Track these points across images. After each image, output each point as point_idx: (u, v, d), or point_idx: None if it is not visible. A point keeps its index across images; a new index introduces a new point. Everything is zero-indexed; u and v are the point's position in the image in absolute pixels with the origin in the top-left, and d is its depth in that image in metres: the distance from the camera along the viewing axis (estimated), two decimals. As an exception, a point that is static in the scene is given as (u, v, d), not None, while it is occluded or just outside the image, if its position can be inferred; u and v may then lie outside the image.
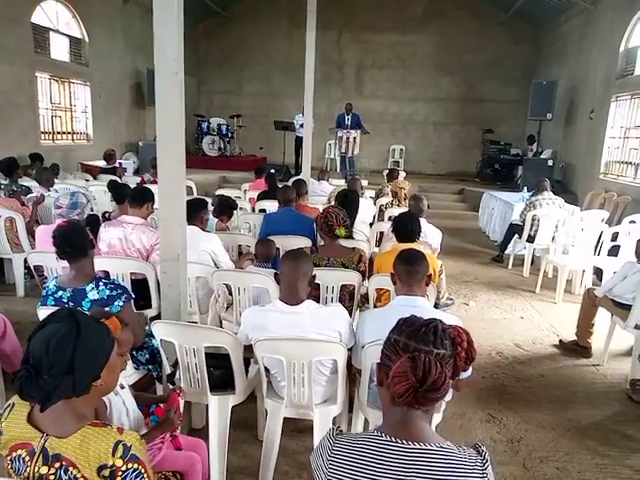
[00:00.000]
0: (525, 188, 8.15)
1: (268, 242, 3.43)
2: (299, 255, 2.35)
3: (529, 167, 10.01)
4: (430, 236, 4.00)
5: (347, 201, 3.92)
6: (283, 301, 2.26)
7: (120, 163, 9.50)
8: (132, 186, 5.07)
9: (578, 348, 4.05)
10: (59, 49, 9.33)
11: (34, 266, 3.59)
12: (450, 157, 14.01)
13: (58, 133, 9.55)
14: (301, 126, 10.19)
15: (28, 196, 5.22)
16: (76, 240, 2.43)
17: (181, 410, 1.94)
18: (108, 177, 7.65)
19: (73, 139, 10.05)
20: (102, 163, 9.02)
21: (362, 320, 2.30)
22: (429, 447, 1.17)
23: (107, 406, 1.64)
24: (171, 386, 2.53)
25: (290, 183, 5.61)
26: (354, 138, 10.35)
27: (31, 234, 4.83)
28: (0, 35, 7.80)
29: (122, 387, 1.78)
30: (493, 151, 12.52)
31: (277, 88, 14.16)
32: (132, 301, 2.49)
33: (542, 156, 10.68)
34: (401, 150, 14.08)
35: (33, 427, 1.28)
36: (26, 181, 6.05)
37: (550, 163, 9.80)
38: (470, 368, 2.30)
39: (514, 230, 6.68)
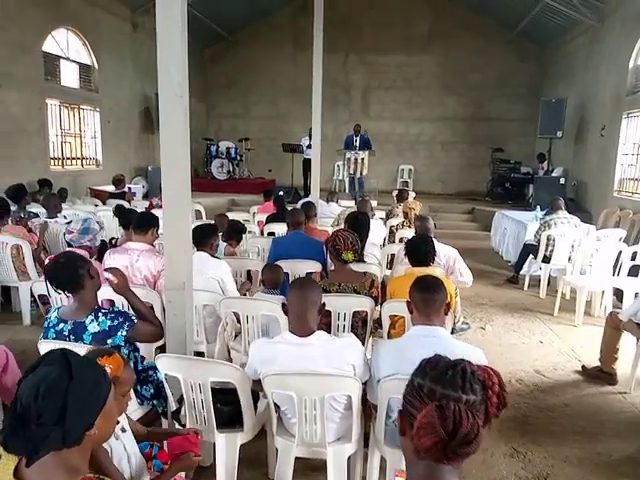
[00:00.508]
0: (538, 207, 8.00)
1: (275, 268, 3.33)
2: (307, 284, 2.23)
3: (541, 185, 9.87)
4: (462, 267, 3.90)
5: (357, 223, 3.81)
6: (293, 332, 2.14)
7: (129, 188, 9.51)
8: (140, 210, 5.03)
9: (602, 374, 3.86)
10: (69, 76, 9.45)
11: (39, 295, 3.50)
12: (459, 176, 13.94)
13: (68, 159, 9.61)
14: (308, 147, 10.18)
15: (33, 221, 5.18)
16: (64, 275, 2.30)
17: (199, 452, 1.82)
18: (117, 202, 7.63)
19: (82, 164, 10.10)
20: (111, 188, 9.03)
21: (377, 352, 2.17)
22: (460, 509, 1.03)
23: (108, 453, 1.52)
24: (176, 423, 2.41)
25: (299, 205, 5.53)
26: (362, 159, 10.31)
27: (38, 261, 4.77)
28: (11, 63, 7.91)
29: (123, 430, 1.66)
30: (503, 170, 12.41)
31: (284, 111, 14.24)
32: (137, 321, 2.38)
33: (553, 174, 10.56)
34: (410, 170, 14.03)
35: (20, 483, 1.16)
36: (35, 207, 6.02)
37: (562, 181, 9.67)
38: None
39: (529, 250, 6.52)
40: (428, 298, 2.13)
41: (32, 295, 4.61)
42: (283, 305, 2.27)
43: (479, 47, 13.15)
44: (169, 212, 2.47)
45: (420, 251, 3.18)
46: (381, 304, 3.22)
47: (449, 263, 3.81)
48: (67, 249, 3.72)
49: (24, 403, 1.12)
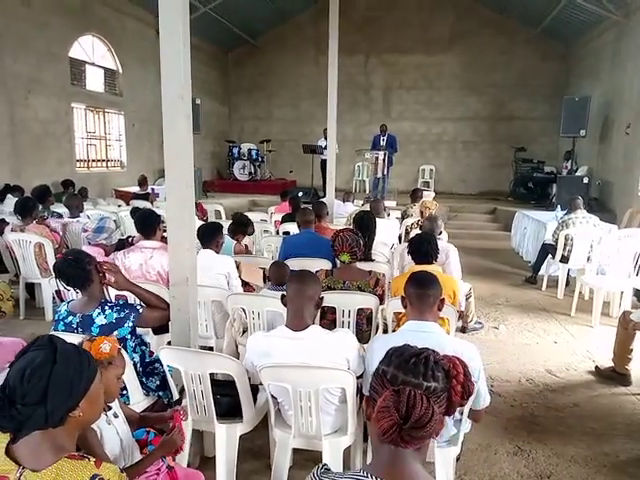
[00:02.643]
0: (559, 207, 7.87)
1: (281, 265, 3.38)
2: (305, 277, 2.27)
3: (563, 185, 9.68)
4: (453, 262, 3.87)
5: (363, 223, 3.84)
6: (288, 327, 2.19)
7: (152, 189, 9.74)
8: (161, 212, 5.15)
9: (616, 375, 3.79)
10: (94, 81, 9.75)
11: (55, 291, 3.64)
12: (481, 176, 13.80)
13: (93, 161, 9.91)
14: (325, 148, 10.25)
15: (57, 220, 5.37)
16: (71, 271, 2.39)
17: (183, 430, 1.87)
18: (140, 202, 7.83)
19: (107, 166, 10.40)
20: (135, 189, 9.27)
21: (371, 347, 2.20)
22: (419, 491, 1.06)
23: (97, 435, 1.59)
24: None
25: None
26: (383, 159, 10.32)
27: (59, 259, 4.95)
28: (40, 70, 8.22)
29: (116, 416, 1.74)
30: (526, 169, 12.21)
31: (305, 113, 14.34)
32: (142, 310, 2.47)
33: (577, 173, 10.34)
34: (431, 170, 13.95)
35: (10, 459, 1.24)
36: (59, 207, 6.24)
37: (585, 180, 9.47)
38: (488, 397, 2.18)
39: (547, 250, 6.42)
40: (421, 294, 2.15)
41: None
42: (282, 296, 2.31)
43: (500, 46, 13.01)
44: (172, 210, 2.54)
45: (422, 249, 3.19)
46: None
47: (442, 258, 3.80)
48: (76, 247, 3.84)
49: (11, 384, 1.20)
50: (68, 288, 2.44)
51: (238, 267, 3.96)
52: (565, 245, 5.91)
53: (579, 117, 9.82)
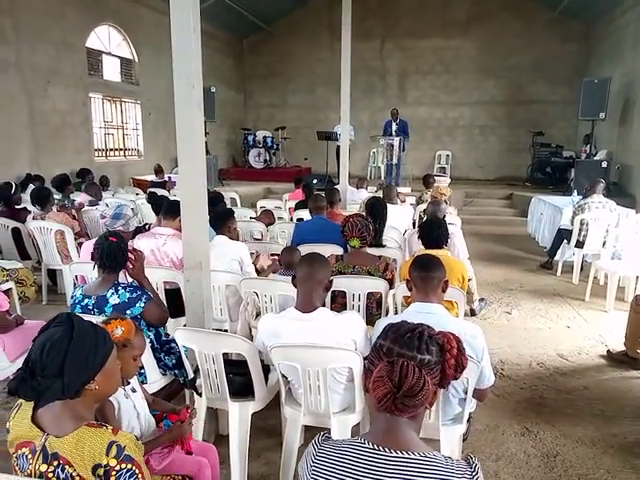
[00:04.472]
0: (575, 191, 7.77)
1: (292, 250, 3.45)
2: (315, 261, 2.33)
3: (582, 169, 9.53)
4: (458, 243, 3.89)
5: (374, 209, 3.87)
6: (297, 308, 2.26)
7: (169, 177, 9.87)
8: (176, 199, 5.25)
9: (627, 359, 3.80)
10: (111, 70, 9.87)
11: (75, 276, 3.77)
12: (498, 161, 13.65)
13: (111, 150, 10.07)
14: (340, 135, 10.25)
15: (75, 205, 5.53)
16: (113, 252, 2.55)
17: (192, 424, 1.96)
18: (158, 191, 7.96)
19: (125, 155, 10.55)
20: (152, 177, 9.41)
21: (377, 328, 2.26)
22: (413, 456, 1.13)
23: (115, 408, 1.69)
24: (194, 392, 2.58)
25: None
26: (397, 145, 10.28)
27: (80, 246, 5.10)
28: (58, 61, 8.36)
29: (134, 391, 1.83)
30: (544, 154, 12.06)
31: (320, 100, 14.30)
32: (152, 297, 2.58)
33: (596, 157, 10.17)
34: (447, 156, 13.83)
35: (36, 427, 1.34)
36: (78, 196, 6.40)
37: (604, 165, 9.30)
38: (492, 376, 2.23)
39: (563, 235, 6.38)
40: (425, 276, 2.20)
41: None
42: (293, 277, 2.38)
43: (518, 28, 12.77)
44: (186, 197, 2.62)
45: (432, 234, 3.22)
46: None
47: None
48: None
49: (33, 358, 1.30)
50: (98, 267, 2.56)
51: (258, 257, 4.03)
52: (580, 230, 5.86)
53: (599, 99, 9.62)
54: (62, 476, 1.30)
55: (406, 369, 1.10)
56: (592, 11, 11.52)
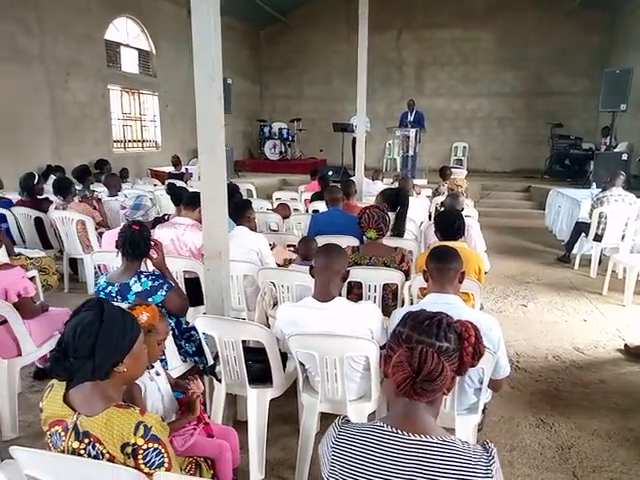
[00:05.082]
0: (594, 184, 7.68)
1: (310, 241, 3.49)
2: (332, 251, 2.37)
3: (601, 162, 9.38)
4: (475, 236, 3.89)
5: (397, 199, 3.89)
6: (315, 298, 2.30)
7: (186, 168, 9.97)
8: (194, 190, 5.33)
9: (645, 353, 3.78)
10: (129, 62, 9.97)
11: (97, 265, 3.86)
12: (516, 153, 13.51)
13: (129, 141, 10.20)
14: (357, 127, 10.22)
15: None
16: (137, 240, 2.62)
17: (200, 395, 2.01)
18: (176, 182, 8.05)
19: (143, 146, 10.68)
20: (170, 169, 9.51)
21: (393, 318, 2.29)
22: (430, 440, 1.16)
23: (141, 390, 1.76)
24: (214, 378, 2.65)
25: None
26: (414, 137, 10.23)
27: (101, 235, 5.20)
28: (78, 53, 8.47)
29: (158, 374, 1.90)
30: (563, 146, 11.88)
31: (337, 91, 14.27)
32: (173, 287, 2.64)
33: (616, 150, 10.00)
34: (464, 148, 13.73)
35: (67, 406, 1.41)
36: (98, 187, 6.51)
37: (625, 157, 9.15)
38: (508, 367, 2.25)
39: (581, 228, 6.32)
40: (441, 268, 2.22)
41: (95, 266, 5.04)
42: (311, 268, 2.42)
43: (538, 19, 12.59)
44: (206, 188, 2.67)
45: (449, 226, 3.22)
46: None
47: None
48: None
49: (65, 340, 1.37)
50: (122, 255, 2.63)
51: (273, 248, 4.08)
52: (599, 223, 5.80)
53: (620, 90, 9.43)
54: (93, 453, 1.36)
55: (425, 355, 1.14)
56: (615, 1, 11.28)
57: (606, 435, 2.90)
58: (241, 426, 2.76)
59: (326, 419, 2.73)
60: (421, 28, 13.50)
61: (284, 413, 3.02)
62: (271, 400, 2.54)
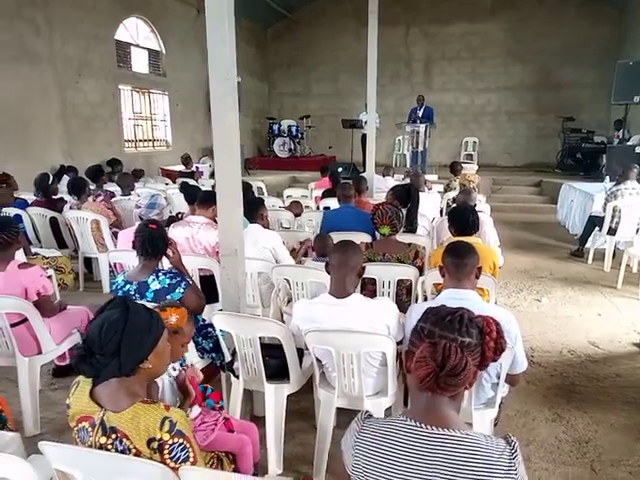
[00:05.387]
0: (607, 178, 7.61)
1: (325, 237, 3.51)
2: (348, 248, 2.38)
3: (614, 155, 9.30)
4: (489, 232, 3.89)
5: (408, 195, 3.89)
6: (331, 294, 2.32)
7: (197, 167, 10.02)
8: (206, 189, 5.37)
9: (661, 347, 3.76)
10: (139, 62, 10.02)
11: (114, 263, 3.90)
12: (527, 148, 13.42)
13: (140, 141, 10.26)
14: (366, 123, 10.20)
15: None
16: (155, 239, 2.66)
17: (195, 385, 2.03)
18: (188, 181, 8.10)
19: (154, 146, 10.75)
20: (181, 168, 9.57)
21: (410, 314, 2.30)
22: (453, 433, 1.17)
23: (159, 388, 1.78)
24: (231, 374, 2.68)
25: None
26: (423, 132, 10.20)
27: (115, 235, 5.25)
28: (88, 53, 8.54)
29: (174, 369, 1.93)
30: (574, 140, 11.78)
31: (345, 87, 14.25)
32: (191, 285, 2.67)
33: (629, 143, 9.89)
34: (474, 143, 13.66)
35: (94, 402, 1.44)
36: (111, 186, 6.57)
37: (638, 150, 9.05)
38: (525, 362, 2.25)
39: (594, 222, 6.28)
40: (458, 263, 2.22)
41: (110, 265, 5.10)
42: (326, 264, 2.44)
43: (546, 11, 12.46)
44: (222, 187, 2.69)
45: (463, 221, 3.22)
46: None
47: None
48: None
49: (91, 337, 1.39)
50: (140, 254, 2.66)
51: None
52: (613, 217, 5.76)
53: (633, 82, 9.32)
54: (120, 448, 1.39)
55: (449, 350, 1.15)
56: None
57: (623, 429, 2.89)
58: (258, 422, 2.79)
59: (342, 415, 2.76)
60: (429, 23, 13.43)
61: (300, 408, 3.04)
62: (287, 396, 2.57)
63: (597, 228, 6.18)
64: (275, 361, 2.52)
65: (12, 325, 2.88)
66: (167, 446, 1.37)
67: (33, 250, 4.84)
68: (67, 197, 5.72)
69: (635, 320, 4.40)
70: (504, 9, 12.83)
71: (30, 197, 5.80)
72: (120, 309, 1.43)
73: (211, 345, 2.84)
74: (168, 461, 1.38)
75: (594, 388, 3.34)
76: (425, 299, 3.36)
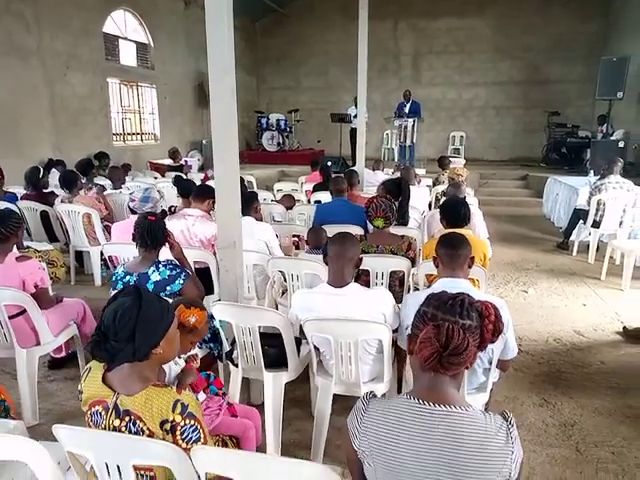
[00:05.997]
0: (592, 172, 7.78)
1: (319, 230, 3.57)
2: (346, 240, 2.45)
3: (598, 150, 9.50)
4: (478, 224, 3.98)
5: (399, 188, 3.97)
6: (329, 284, 2.39)
7: (185, 161, 9.99)
8: (197, 182, 5.40)
9: (643, 335, 3.89)
10: (127, 55, 9.95)
11: (109, 256, 3.92)
12: (513, 142, 13.59)
13: (128, 134, 10.20)
14: (354, 117, 10.26)
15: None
16: (154, 231, 2.70)
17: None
18: (176, 174, 8.09)
19: (142, 139, 10.68)
20: (169, 161, 9.54)
21: (405, 302, 2.38)
22: (455, 410, 1.25)
23: (167, 374, 1.84)
24: (230, 363, 2.73)
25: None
26: (411, 127, 10.29)
27: (106, 228, 5.25)
28: (76, 47, 8.46)
29: (179, 357, 1.98)
30: (559, 134, 11.98)
31: (334, 81, 14.28)
32: (190, 276, 2.72)
33: (613, 137, 10.10)
34: (461, 137, 13.78)
35: (107, 387, 1.49)
36: (101, 180, 6.55)
37: (621, 144, 9.25)
38: (516, 349, 2.35)
39: (579, 215, 6.43)
40: (452, 253, 2.31)
41: (102, 258, 5.10)
42: (324, 256, 2.50)
43: (535, 7, 12.59)
44: (220, 180, 2.74)
45: (455, 213, 3.30)
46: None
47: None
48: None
49: (106, 323, 1.45)
50: (140, 246, 2.70)
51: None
52: (597, 210, 5.90)
53: (617, 78, 9.52)
54: (133, 430, 1.45)
55: (452, 331, 1.23)
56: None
57: (607, 413, 3.01)
58: (257, 408, 2.86)
59: (338, 402, 2.84)
60: (417, 17, 13.49)
61: (296, 396, 3.11)
62: (286, 383, 2.64)
63: (581, 221, 6.33)
64: (273, 350, 2.58)
65: (10, 317, 2.90)
66: (179, 427, 1.43)
67: (25, 244, 4.82)
68: (57, 191, 5.70)
69: (618, 310, 4.55)
70: (492, 5, 12.94)
71: (20, 191, 5.77)
72: (133, 297, 1.48)
73: (209, 335, 2.88)
74: (180, 442, 1.44)
75: (579, 375, 3.46)
76: (416, 290, 3.45)
